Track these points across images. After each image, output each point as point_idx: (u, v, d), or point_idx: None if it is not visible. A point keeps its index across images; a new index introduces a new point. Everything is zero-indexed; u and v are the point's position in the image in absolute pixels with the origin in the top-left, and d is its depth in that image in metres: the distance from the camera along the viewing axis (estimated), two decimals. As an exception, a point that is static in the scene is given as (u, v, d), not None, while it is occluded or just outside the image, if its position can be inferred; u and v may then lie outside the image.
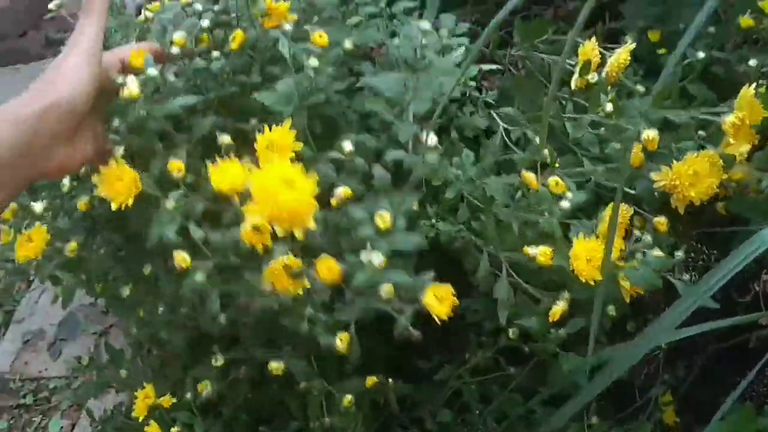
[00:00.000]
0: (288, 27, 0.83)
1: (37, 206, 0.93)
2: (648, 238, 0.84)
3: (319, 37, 0.84)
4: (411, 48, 0.85)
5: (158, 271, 0.92)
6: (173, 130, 0.84)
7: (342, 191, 0.76)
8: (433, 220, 0.87)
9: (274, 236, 0.71)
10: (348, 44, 0.90)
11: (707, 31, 1.05)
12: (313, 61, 0.83)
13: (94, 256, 0.99)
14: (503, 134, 0.96)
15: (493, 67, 1.06)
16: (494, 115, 0.99)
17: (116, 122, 0.81)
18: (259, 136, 0.78)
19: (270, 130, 0.79)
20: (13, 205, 0.95)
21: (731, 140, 0.84)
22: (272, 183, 0.68)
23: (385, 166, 0.82)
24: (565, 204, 0.80)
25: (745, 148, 0.84)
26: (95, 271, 1.01)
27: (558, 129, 0.96)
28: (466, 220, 0.90)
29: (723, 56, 1.03)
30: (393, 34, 1.00)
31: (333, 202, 0.76)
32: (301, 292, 0.74)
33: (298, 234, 0.69)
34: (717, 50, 1.04)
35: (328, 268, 0.71)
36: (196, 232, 0.75)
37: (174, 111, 0.82)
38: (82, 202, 0.92)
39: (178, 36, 0.87)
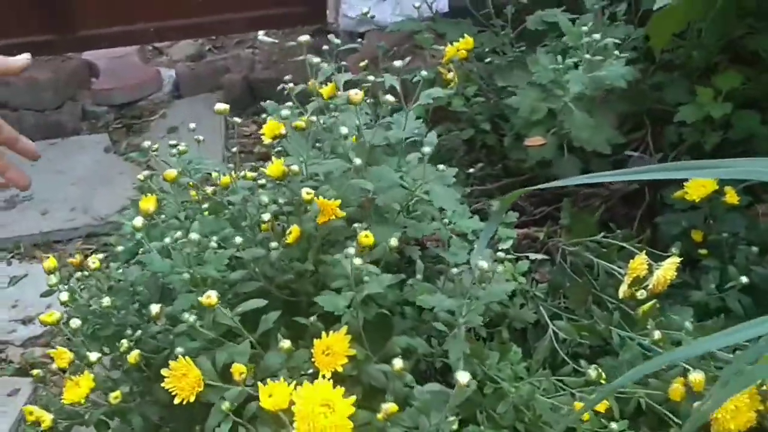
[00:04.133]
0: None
1: (92, 356, 0.97)
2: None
3: (365, 237, 0.90)
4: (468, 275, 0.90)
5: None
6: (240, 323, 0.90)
7: (389, 407, 0.81)
8: (481, 428, 0.91)
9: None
10: (393, 242, 0.93)
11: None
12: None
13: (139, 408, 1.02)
14: (552, 337, 1.00)
15: (544, 257, 1.11)
16: (543, 311, 1.04)
17: (191, 319, 0.88)
18: (316, 342, 0.85)
19: (327, 335, 0.85)
20: (69, 354, 1.00)
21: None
22: (312, 406, 0.75)
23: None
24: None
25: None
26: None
27: (605, 334, 1.00)
28: (510, 424, 0.94)
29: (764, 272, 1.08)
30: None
31: (379, 416, 0.81)
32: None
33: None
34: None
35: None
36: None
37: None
38: (132, 356, 0.94)
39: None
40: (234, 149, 1.19)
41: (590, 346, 1.05)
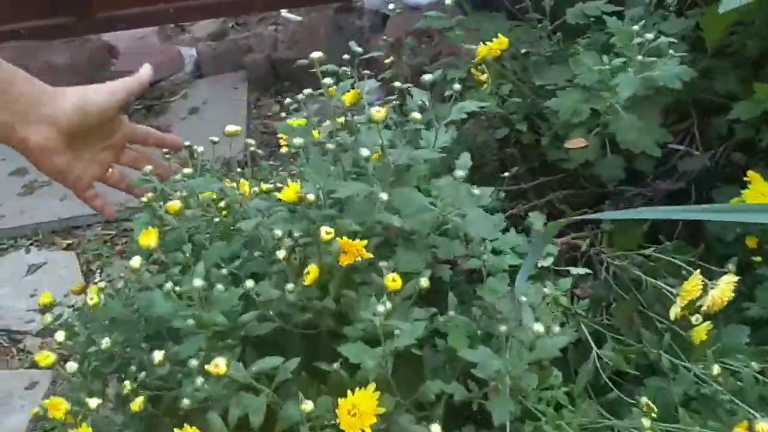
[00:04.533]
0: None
1: (92, 402, 0.91)
2: None
3: (392, 281, 0.81)
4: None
5: None
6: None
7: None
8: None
9: None
10: (424, 283, 0.84)
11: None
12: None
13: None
14: (596, 359, 0.93)
15: (586, 272, 1.03)
16: (585, 329, 0.97)
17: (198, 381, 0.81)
18: (341, 402, 0.76)
19: (353, 392, 0.77)
20: (66, 404, 0.94)
21: None
22: None
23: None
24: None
25: None
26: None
27: (654, 358, 0.93)
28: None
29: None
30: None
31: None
32: None
33: None
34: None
35: None
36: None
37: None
38: (135, 404, 0.88)
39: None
40: (252, 147, 1.11)
41: (637, 364, 0.97)
